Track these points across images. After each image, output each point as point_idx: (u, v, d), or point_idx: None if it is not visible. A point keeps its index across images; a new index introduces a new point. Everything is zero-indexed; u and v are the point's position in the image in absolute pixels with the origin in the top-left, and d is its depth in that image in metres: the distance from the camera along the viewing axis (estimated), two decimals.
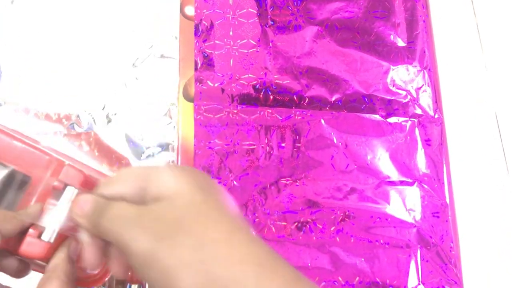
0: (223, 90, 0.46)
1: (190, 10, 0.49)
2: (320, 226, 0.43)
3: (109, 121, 0.46)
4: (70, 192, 0.33)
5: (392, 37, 0.49)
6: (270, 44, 0.48)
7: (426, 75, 0.48)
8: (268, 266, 0.24)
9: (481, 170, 0.46)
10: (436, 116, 0.47)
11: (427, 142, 0.46)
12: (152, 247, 0.25)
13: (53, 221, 0.32)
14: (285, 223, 0.43)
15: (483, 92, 0.48)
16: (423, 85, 0.47)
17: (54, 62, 0.47)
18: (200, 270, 0.24)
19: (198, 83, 0.46)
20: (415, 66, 0.48)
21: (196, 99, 0.46)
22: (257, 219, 0.43)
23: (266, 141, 0.45)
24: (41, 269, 0.36)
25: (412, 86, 0.48)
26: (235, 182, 0.44)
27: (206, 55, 0.47)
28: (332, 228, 0.43)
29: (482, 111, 0.48)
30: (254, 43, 0.48)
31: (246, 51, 0.48)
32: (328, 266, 0.42)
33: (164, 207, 0.26)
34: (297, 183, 0.44)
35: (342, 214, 0.44)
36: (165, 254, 0.24)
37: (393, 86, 0.48)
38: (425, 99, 0.47)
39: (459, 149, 0.47)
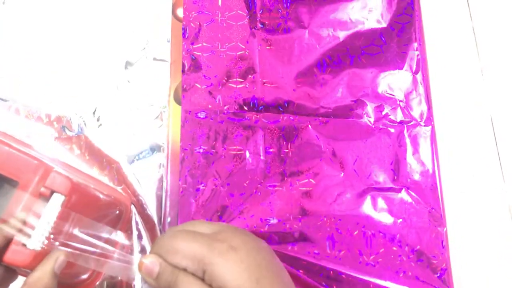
0: (210, 93, 0.46)
1: (181, 12, 0.49)
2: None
3: (100, 124, 0.46)
4: (56, 200, 0.34)
5: (382, 41, 0.49)
6: (259, 47, 0.48)
7: (417, 80, 0.48)
8: None
9: (475, 174, 0.46)
10: (425, 122, 0.47)
11: (416, 148, 0.46)
12: None
13: (39, 229, 0.33)
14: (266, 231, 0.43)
15: (478, 97, 0.48)
16: (413, 90, 0.47)
17: (45, 64, 0.47)
18: None
19: (185, 86, 0.46)
20: (406, 71, 0.48)
21: (183, 102, 0.46)
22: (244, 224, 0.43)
23: (253, 146, 0.45)
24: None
25: (401, 91, 0.48)
26: (221, 188, 0.44)
27: (194, 57, 0.47)
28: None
29: (478, 115, 0.48)
30: (243, 46, 0.48)
31: (235, 53, 0.48)
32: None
33: None
34: (283, 189, 0.44)
35: (328, 220, 0.44)
36: None
37: (382, 91, 0.48)
38: (415, 104, 0.47)
39: (452, 154, 0.47)
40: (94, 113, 0.46)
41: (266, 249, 0.34)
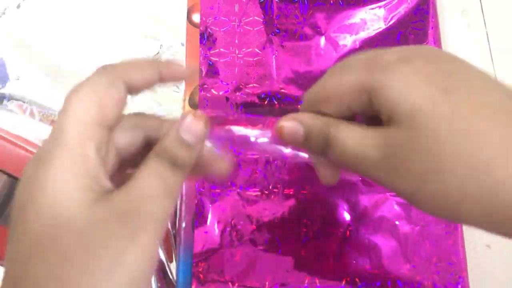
0: (227, 98, 0.46)
1: (197, 18, 0.49)
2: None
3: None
4: None
5: (396, 45, 0.49)
6: (276, 53, 0.48)
7: None
8: None
9: None
10: None
11: None
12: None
13: None
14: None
15: None
16: None
17: (59, 67, 0.47)
18: None
19: (202, 92, 0.46)
20: None
21: (200, 107, 0.46)
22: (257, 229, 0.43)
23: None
24: None
25: None
26: (238, 190, 0.44)
27: (211, 63, 0.47)
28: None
29: None
30: (259, 51, 0.48)
31: (252, 59, 0.48)
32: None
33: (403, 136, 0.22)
34: (300, 195, 0.44)
35: (343, 230, 0.43)
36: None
37: None
38: None
39: None
40: None
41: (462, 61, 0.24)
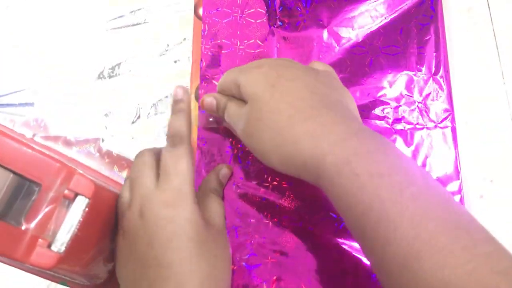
0: None
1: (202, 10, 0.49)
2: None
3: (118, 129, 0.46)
4: (80, 202, 0.34)
5: (401, 42, 0.48)
6: (278, 46, 0.48)
7: (437, 82, 0.47)
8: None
9: (494, 180, 0.46)
10: (445, 124, 0.46)
11: (436, 151, 0.46)
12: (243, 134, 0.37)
13: (63, 231, 0.33)
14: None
15: (499, 100, 0.48)
16: (432, 91, 0.47)
17: (54, 71, 0.47)
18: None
19: (203, 83, 0.46)
20: (425, 72, 0.48)
21: (201, 97, 0.46)
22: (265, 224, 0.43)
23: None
24: (53, 278, 0.37)
25: (421, 93, 0.47)
26: (238, 185, 0.44)
27: (212, 54, 0.47)
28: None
29: (498, 119, 0.47)
30: (261, 43, 0.48)
31: (253, 51, 0.48)
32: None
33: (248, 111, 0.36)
34: (298, 188, 0.44)
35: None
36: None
37: (401, 92, 0.47)
38: (434, 107, 0.47)
39: (471, 158, 0.46)
40: (109, 114, 0.46)
41: (306, 71, 0.38)
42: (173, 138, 0.38)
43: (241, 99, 0.38)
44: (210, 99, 0.41)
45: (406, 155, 0.33)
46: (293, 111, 0.34)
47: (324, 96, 0.35)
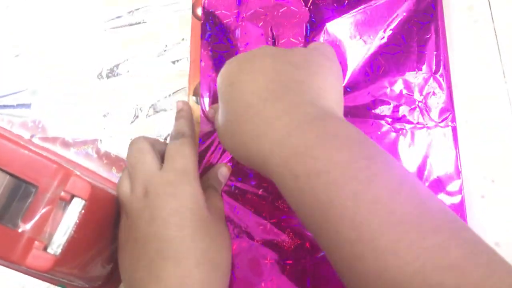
0: None
1: (201, 11, 0.48)
2: None
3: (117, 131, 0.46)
4: (77, 204, 0.33)
5: (402, 40, 0.48)
6: (277, 46, 0.48)
7: (438, 81, 0.47)
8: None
9: (495, 179, 0.45)
10: (445, 124, 0.46)
11: (436, 151, 0.45)
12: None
13: (59, 233, 0.33)
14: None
15: (500, 99, 0.47)
16: (432, 90, 0.47)
17: (56, 73, 0.47)
18: None
19: (203, 85, 0.46)
20: (425, 71, 0.47)
21: (202, 102, 0.46)
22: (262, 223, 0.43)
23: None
24: (51, 280, 0.37)
25: (421, 92, 0.47)
26: (236, 186, 0.44)
27: (212, 55, 0.47)
28: None
29: (499, 118, 0.47)
30: (260, 45, 0.48)
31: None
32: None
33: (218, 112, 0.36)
34: None
35: None
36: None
37: (401, 91, 0.47)
38: (435, 106, 0.46)
39: (472, 157, 0.46)
40: (107, 114, 0.46)
41: (275, 55, 0.34)
42: (176, 135, 0.40)
43: None
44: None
45: (355, 138, 0.29)
46: (242, 109, 0.32)
47: (282, 82, 0.32)
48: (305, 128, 0.29)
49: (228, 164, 0.44)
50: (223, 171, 0.43)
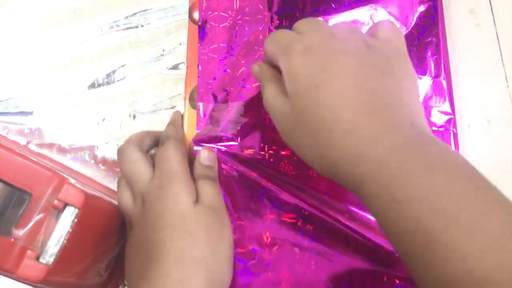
0: (228, 93, 0.46)
1: (198, 15, 0.48)
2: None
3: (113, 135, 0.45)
4: (70, 213, 0.33)
5: None
6: None
7: (438, 85, 0.46)
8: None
9: (497, 185, 0.45)
10: (446, 129, 0.45)
11: None
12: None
13: (52, 242, 0.32)
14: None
15: (503, 104, 0.46)
16: (432, 95, 0.46)
17: (51, 78, 0.46)
18: None
19: (201, 89, 0.46)
20: (426, 75, 0.46)
21: (199, 107, 0.45)
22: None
23: (266, 147, 0.44)
24: None
25: (421, 96, 0.46)
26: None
27: (209, 59, 0.46)
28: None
29: (501, 123, 0.46)
30: (259, 47, 0.47)
31: (252, 55, 0.47)
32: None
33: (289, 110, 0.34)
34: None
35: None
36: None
37: None
38: (435, 110, 0.45)
39: (475, 167, 0.45)
40: (103, 120, 0.45)
41: (359, 54, 0.32)
42: (162, 140, 0.41)
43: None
44: (256, 68, 0.38)
45: (459, 165, 0.28)
46: (335, 124, 0.30)
47: (374, 92, 0.30)
48: (406, 151, 0.28)
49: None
50: (202, 156, 0.41)
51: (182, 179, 0.37)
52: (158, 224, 0.35)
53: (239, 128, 0.45)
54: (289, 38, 0.34)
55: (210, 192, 0.39)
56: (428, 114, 0.46)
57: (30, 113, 0.44)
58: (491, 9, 0.49)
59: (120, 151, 0.39)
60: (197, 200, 0.37)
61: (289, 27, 0.47)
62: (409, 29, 0.47)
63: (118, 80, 0.46)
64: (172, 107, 0.46)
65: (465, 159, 0.29)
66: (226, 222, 0.39)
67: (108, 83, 0.46)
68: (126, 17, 0.48)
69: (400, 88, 0.32)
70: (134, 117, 0.45)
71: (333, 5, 0.49)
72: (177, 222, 0.35)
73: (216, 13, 0.48)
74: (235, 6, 0.48)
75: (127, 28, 0.48)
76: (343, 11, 0.48)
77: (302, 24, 0.35)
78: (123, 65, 0.47)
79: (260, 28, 0.48)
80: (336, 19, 0.48)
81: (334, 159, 0.30)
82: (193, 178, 0.39)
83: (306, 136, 0.31)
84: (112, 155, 0.44)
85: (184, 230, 0.35)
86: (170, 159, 0.38)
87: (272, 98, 0.34)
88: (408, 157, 0.27)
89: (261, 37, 0.47)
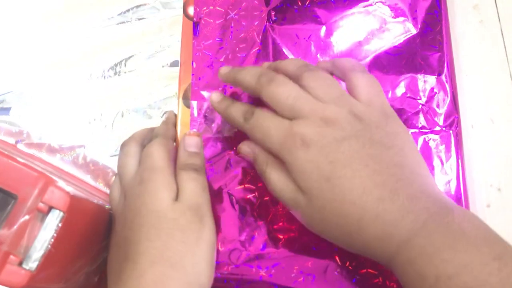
0: (223, 91, 0.44)
1: (192, 10, 0.47)
2: None
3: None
4: (54, 216, 0.32)
5: (404, 41, 0.46)
6: (273, 45, 0.46)
7: (441, 83, 0.45)
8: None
9: (501, 188, 0.43)
10: (448, 128, 0.44)
11: (439, 156, 0.43)
12: None
13: (36, 247, 0.31)
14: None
15: (507, 103, 0.45)
16: (436, 93, 0.45)
17: (44, 77, 0.45)
18: None
19: (195, 87, 0.44)
20: (429, 73, 0.45)
21: (192, 104, 0.44)
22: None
23: None
24: None
25: (424, 95, 0.45)
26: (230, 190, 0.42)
27: (204, 56, 0.45)
28: None
29: (505, 123, 0.45)
30: (256, 42, 0.46)
31: (248, 52, 0.46)
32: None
33: (307, 205, 0.34)
34: None
35: None
36: None
37: (403, 94, 0.45)
38: (439, 109, 0.44)
39: (477, 164, 0.44)
40: (95, 120, 0.44)
41: (358, 136, 0.32)
42: (151, 138, 0.41)
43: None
44: (246, 149, 0.38)
45: (481, 235, 0.29)
46: (358, 216, 0.30)
47: (385, 171, 0.31)
48: (430, 227, 0.29)
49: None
50: (186, 142, 0.40)
51: (163, 175, 0.36)
52: (136, 221, 0.34)
53: (235, 129, 0.43)
54: (278, 128, 0.34)
55: (192, 188, 0.36)
56: (431, 113, 0.44)
57: (19, 112, 0.43)
58: (496, 4, 0.47)
59: (121, 145, 0.40)
60: (177, 197, 0.36)
61: (287, 23, 0.46)
62: (412, 26, 0.46)
63: (110, 77, 0.45)
64: (165, 106, 0.45)
65: (487, 226, 0.30)
66: (206, 221, 0.36)
67: (100, 80, 0.45)
68: (120, 14, 0.47)
69: (405, 158, 0.32)
70: (126, 115, 0.44)
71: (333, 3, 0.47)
72: (154, 221, 0.34)
73: (212, 7, 0.47)
74: (231, 0, 0.47)
75: (120, 26, 0.46)
76: (341, 4, 0.47)
77: (282, 98, 0.34)
78: (117, 63, 0.45)
79: (256, 24, 0.46)
80: (336, 19, 0.47)
81: (364, 244, 0.31)
82: (177, 171, 0.38)
83: (334, 229, 0.32)
84: (104, 154, 0.43)
85: (161, 229, 0.34)
86: (153, 155, 0.37)
87: (281, 191, 0.34)
88: (432, 233, 0.29)
89: (255, 33, 0.46)
